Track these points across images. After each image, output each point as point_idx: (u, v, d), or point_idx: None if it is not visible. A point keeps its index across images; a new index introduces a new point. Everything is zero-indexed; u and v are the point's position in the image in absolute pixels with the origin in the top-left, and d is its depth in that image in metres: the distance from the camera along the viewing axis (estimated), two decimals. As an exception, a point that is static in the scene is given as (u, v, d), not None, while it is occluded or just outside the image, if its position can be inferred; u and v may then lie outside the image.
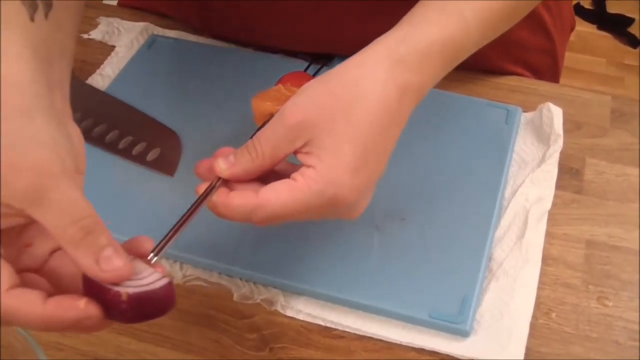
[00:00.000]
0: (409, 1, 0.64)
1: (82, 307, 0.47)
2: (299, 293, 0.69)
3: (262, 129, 0.58)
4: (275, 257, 0.70)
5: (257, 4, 0.88)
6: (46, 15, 0.55)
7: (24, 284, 0.49)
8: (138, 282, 0.49)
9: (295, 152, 0.58)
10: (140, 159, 0.78)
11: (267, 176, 0.59)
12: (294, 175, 0.56)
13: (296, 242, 0.71)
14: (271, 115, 0.75)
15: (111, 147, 0.79)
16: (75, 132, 0.54)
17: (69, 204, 0.48)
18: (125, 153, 0.79)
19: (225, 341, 0.66)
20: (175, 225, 0.56)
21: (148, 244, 0.54)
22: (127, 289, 0.48)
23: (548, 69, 0.93)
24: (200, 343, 0.66)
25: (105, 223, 0.50)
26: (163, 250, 0.54)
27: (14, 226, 0.50)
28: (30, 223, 0.50)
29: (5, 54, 0.50)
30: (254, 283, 0.69)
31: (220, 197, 0.57)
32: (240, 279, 0.70)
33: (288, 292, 0.69)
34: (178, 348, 0.66)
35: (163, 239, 0.55)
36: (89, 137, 0.80)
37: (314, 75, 0.83)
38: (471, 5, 0.62)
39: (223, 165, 0.58)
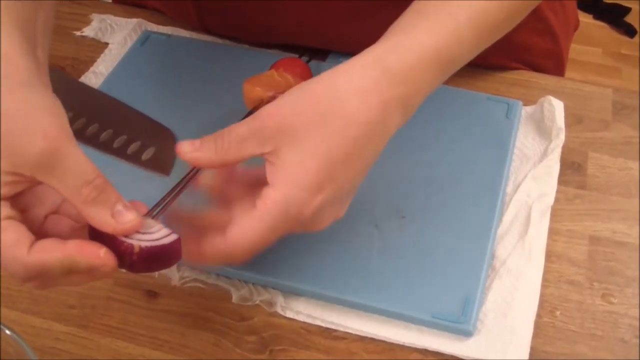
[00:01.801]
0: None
1: (101, 255, 0.51)
2: (299, 294, 0.68)
3: (236, 123, 0.56)
4: (274, 258, 0.69)
5: (250, 3, 0.87)
6: None
7: None
8: (149, 237, 0.53)
9: (263, 156, 0.56)
10: (134, 159, 0.77)
11: (233, 192, 0.59)
12: (256, 201, 0.55)
13: (295, 243, 0.69)
14: (261, 101, 0.74)
15: (105, 147, 0.78)
16: (58, 103, 0.55)
17: (81, 167, 0.52)
18: (120, 152, 0.78)
19: (224, 344, 0.65)
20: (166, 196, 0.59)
21: (143, 208, 0.57)
22: (140, 243, 0.53)
23: (553, 69, 0.92)
24: (198, 346, 0.65)
25: None
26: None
27: (12, 194, 0.52)
28: (26, 190, 0.52)
29: None
30: (253, 284, 0.68)
31: (192, 246, 0.56)
32: (239, 280, 0.69)
33: (288, 293, 0.68)
34: (176, 352, 0.65)
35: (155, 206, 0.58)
36: (82, 136, 0.79)
37: (308, 62, 0.82)
38: (466, 10, 0.59)
39: (187, 147, 0.57)
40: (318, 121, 0.54)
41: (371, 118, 0.55)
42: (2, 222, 0.51)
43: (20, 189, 0.52)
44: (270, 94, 0.73)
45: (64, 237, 0.53)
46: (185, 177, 0.59)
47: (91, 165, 0.52)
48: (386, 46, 0.57)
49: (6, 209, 0.51)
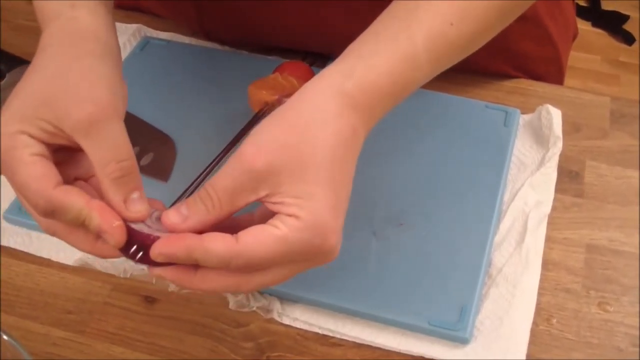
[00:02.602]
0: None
1: (114, 225, 0.53)
2: (296, 300, 0.68)
3: (219, 173, 0.54)
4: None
5: (251, 3, 0.87)
6: None
7: None
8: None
9: (261, 201, 0.54)
10: (133, 164, 0.77)
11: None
12: (275, 223, 0.52)
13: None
14: (266, 104, 0.74)
15: (104, 152, 0.78)
16: (125, 92, 0.59)
17: (116, 143, 0.54)
18: (118, 158, 0.78)
19: (221, 350, 0.65)
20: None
21: (159, 205, 0.59)
22: (158, 234, 0.54)
23: (552, 77, 0.92)
24: (195, 352, 0.65)
25: None
26: None
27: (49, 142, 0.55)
28: (66, 148, 0.56)
29: (87, 6, 0.60)
30: (250, 290, 0.68)
31: (195, 239, 0.53)
32: (236, 286, 0.69)
33: (284, 299, 0.68)
34: (173, 357, 0.65)
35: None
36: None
37: (311, 66, 0.83)
38: (423, 36, 0.58)
39: (175, 219, 0.54)
40: (306, 153, 0.53)
41: (347, 142, 0.55)
42: (32, 157, 0.54)
43: (57, 143, 0.55)
44: (276, 97, 0.74)
45: None
46: (192, 183, 0.61)
47: (127, 147, 0.55)
48: (343, 71, 0.57)
49: (39, 148, 0.54)
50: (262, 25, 0.89)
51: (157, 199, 0.73)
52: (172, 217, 0.54)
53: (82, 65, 0.56)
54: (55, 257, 0.71)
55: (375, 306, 0.66)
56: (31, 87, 0.56)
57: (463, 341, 0.64)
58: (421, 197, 0.74)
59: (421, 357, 0.64)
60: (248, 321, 0.67)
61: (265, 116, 0.61)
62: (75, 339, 0.66)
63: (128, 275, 0.70)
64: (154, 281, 0.69)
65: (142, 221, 0.55)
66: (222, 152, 0.62)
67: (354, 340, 0.66)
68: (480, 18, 0.61)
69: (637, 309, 0.68)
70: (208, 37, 0.93)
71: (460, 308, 0.65)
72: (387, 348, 0.65)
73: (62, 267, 0.71)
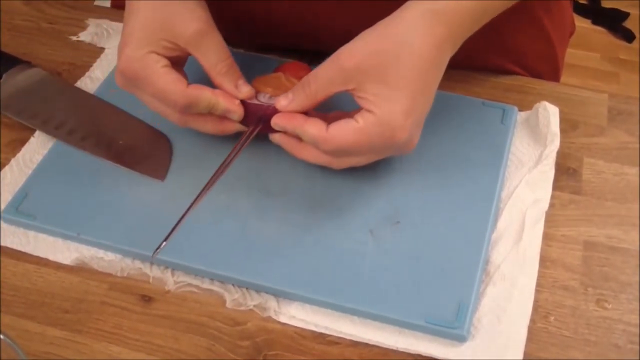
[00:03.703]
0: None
1: (236, 103, 0.72)
2: (293, 299, 0.68)
3: (318, 67, 0.67)
4: (268, 262, 0.69)
5: (244, 3, 0.87)
6: None
7: None
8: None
9: (348, 92, 0.67)
10: (130, 164, 0.77)
11: None
12: (356, 117, 0.66)
13: (289, 247, 0.70)
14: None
15: (101, 151, 0.78)
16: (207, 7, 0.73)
17: (219, 48, 0.72)
18: (116, 157, 0.78)
19: (218, 349, 0.65)
20: (222, 164, 0.69)
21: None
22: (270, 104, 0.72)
23: (548, 74, 0.92)
24: (192, 351, 0.65)
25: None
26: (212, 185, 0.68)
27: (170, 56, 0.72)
28: (178, 57, 0.72)
29: None
30: (247, 289, 0.68)
31: (298, 119, 0.69)
32: (233, 285, 0.69)
33: (281, 298, 0.68)
34: (170, 356, 0.65)
35: (213, 176, 0.69)
36: (78, 141, 0.79)
37: (311, 68, 0.82)
38: None
39: (284, 101, 0.69)
40: (392, 65, 0.64)
41: (431, 55, 0.66)
42: (164, 68, 0.70)
43: (175, 55, 0.71)
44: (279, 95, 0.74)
45: None
46: (235, 148, 0.70)
47: (226, 49, 0.72)
48: None
49: (165, 61, 0.71)
50: (256, 25, 0.90)
51: (154, 197, 0.74)
52: (282, 99, 0.70)
53: None
54: (52, 256, 0.71)
55: (372, 304, 0.66)
56: (144, 16, 0.70)
57: (460, 339, 0.64)
58: (418, 195, 0.74)
59: (418, 354, 0.64)
60: (245, 320, 0.67)
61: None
62: (73, 339, 0.66)
63: (125, 274, 0.70)
64: (150, 280, 0.69)
65: (251, 99, 0.72)
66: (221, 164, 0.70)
67: (351, 338, 0.65)
68: None
69: (636, 306, 0.68)
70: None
71: (458, 306, 0.65)
72: (384, 346, 0.65)
73: (59, 266, 0.71)
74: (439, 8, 0.66)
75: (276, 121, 0.70)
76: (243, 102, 0.72)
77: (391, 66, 0.64)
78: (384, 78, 0.65)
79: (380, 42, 0.65)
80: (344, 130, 0.66)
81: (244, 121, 0.73)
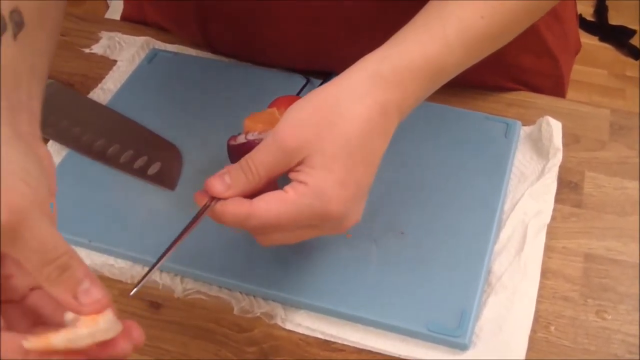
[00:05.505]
0: (404, 18, 0.64)
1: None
2: (299, 307, 0.69)
3: (258, 147, 0.60)
4: (275, 271, 0.70)
5: (254, 22, 0.88)
6: (15, 36, 0.57)
7: (6, 317, 0.50)
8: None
9: (290, 170, 0.60)
10: (141, 173, 0.79)
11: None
12: (286, 188, 0.59)
13: (296, 256, 0.71)
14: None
15: (112, 161, 0.80)
16: (45, 153, 0.56)
17: (43, 244, 0.48)
18: (126, 167, 0.79)
19: (225, 354, 0.67)
20: (174, 240, 0.60)
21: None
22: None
23: (552, 90, 0.93)
24: (200, 356, 0.67)
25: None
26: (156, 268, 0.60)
27: None
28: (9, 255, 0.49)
29: None
30: (254, 296, 0.70)
31: (217, 203, 0.60)
32: (240, 292, 0.70)
33: (288, 305, 0.69)
34: (178, 361, 0.66)
35: (162, 255, 0.60)
36: (90, 151, 0.80)
37: (306, 84, 0.84)
38: (454, 26, 0.63)
39: (220, 187, 0.60)
40: (328, 133, 0.59)
41: (373, 123, 0.60)
42: None
43: None
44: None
45: (48, 309, 0.52)
46: (187, 225, 0.61)
47: (56, 242, 0.49)
48: (378, 57, 0.62)
49: None
50: (264, 45, 0.90)
51: (164, 206, 0.74)
52: (217, 185, 0.60)
53: None
54: (64, 263, 0.72)
55: (376, 312, 0.67)
56: None
57: (462, 347, 0.65)
58: (422, 206, 0.75)
59: (421, 362, 0.66)
60: (252, 326, 0.68)
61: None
62: (83, 343, 0.67)
63: (135, 281, 0.71)
64: (160, 287, 0.71)
65: (107, 308, 0.49)
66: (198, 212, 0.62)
67: (355, 345, 0.67)
68: (509, 13, 0.66)
69: (634, 317, 0.69)
70: (213, 51, 0.95)
71: (460, 314, 0.66)
72: (387, 353, 0.66)
73: (71, 273, 0.72)
74: (386, 72, 0.60)
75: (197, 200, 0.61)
76: (228, 144, 0.69)
77: (328, 135, 0.59)
78: (322, 149, 0.59)
79: (318, 111, 0.60)
80: (270, 203, 0.58)
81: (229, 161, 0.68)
